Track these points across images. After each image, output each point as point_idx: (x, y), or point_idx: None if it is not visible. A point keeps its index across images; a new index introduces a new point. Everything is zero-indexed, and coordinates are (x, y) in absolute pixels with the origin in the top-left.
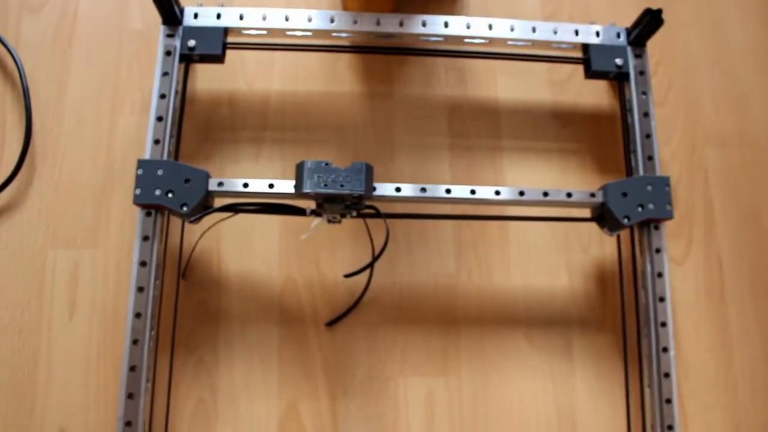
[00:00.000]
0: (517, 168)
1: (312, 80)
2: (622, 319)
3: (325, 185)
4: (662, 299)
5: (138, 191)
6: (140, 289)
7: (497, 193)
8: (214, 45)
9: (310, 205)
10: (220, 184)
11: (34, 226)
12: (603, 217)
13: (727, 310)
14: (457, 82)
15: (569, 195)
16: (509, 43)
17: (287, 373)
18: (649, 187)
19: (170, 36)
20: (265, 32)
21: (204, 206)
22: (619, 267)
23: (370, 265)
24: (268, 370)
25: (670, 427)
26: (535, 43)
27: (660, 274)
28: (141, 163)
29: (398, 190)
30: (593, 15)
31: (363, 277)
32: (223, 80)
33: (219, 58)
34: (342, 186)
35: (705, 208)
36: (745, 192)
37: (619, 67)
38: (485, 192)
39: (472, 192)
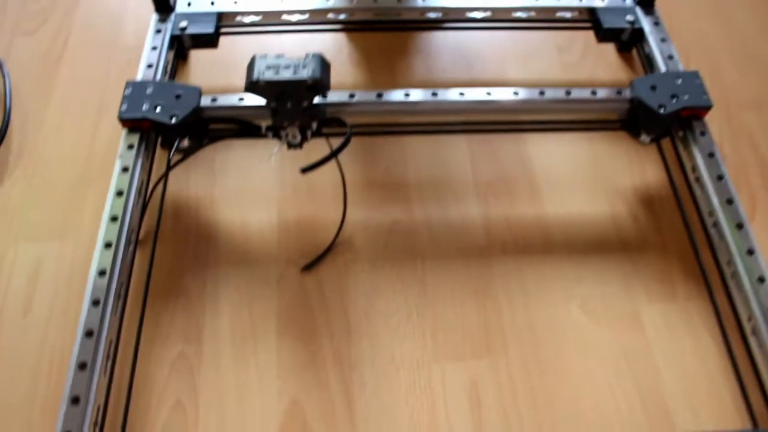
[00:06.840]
0: (541, 139)
1: None
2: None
3: (277, 74)
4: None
5: (124, 107)
6: (113, 219)
7: (516, 93)
8: (207, 25)
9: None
10: (214, 99)
11: None
12: (635, 118)
13: None
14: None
15: (594, 93)
16: (513, 15)
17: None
18: (679, 81)
19: (162, 22)
20: (260, 17)
21: (195, 124)
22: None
23: (327, 161)
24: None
25: None
26: (539, 11)
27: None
28: (129, 84)
29: (407, 95)
30: None
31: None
32: (218, 76)
33: (212, 41)
34: (295, 73)
35: (759, 164)
36: None
37: (631, 23)
38: (502, 93)
39: (488, 94)
